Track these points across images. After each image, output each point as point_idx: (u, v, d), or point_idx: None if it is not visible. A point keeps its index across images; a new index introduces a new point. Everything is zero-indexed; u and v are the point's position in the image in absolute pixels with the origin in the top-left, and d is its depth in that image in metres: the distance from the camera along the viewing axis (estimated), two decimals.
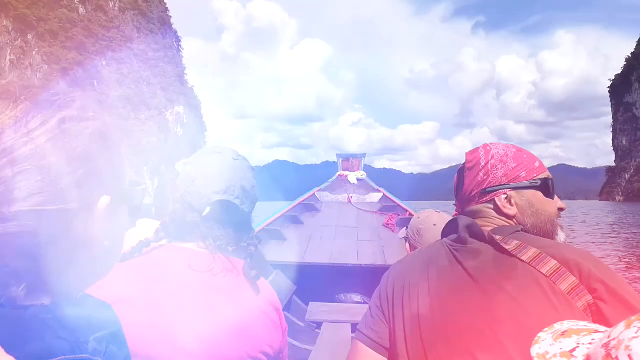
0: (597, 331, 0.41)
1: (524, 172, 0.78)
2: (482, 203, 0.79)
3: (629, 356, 0.33)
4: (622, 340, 0.33)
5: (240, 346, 0.71)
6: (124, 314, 0.47)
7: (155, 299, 0.68)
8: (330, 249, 3.31)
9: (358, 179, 5.55)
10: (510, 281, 0.66)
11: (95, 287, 0.43)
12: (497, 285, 0.67)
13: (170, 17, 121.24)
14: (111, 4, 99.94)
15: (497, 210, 0.78)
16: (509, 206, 0.77)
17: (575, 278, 0.64)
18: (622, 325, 0.36)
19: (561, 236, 0.80)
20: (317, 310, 2.85)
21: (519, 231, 0.74)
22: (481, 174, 0.79)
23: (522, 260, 0.67)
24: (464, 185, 0.82)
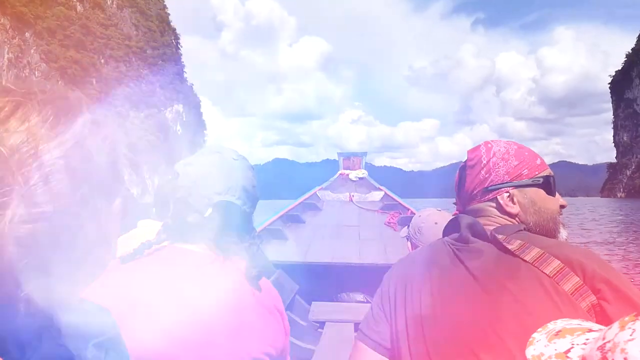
0: (590, 330, 0.41)
1: (526, 170, 0.77)
2: (484, 201, 0.79)
3: (625, 359, 0.32)
4: (618, 342, 0.33)
5: (243, 347, 0.71)
6: (125, 317, 0.46)
7: (156, 300, 0.69)
8: (332, 248, 3.30)
9: (359, 177, 5.54)
10: (513, 281, 0.66)
11: (95, 290, 0.42)
12: (500, 285, 0.66)
13: (169, 14, 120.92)
14: (109, 2, 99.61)
15: (500, 208, 0.77)
16: (512, 204, 0.77)
17: (578, 278, 0.63)
18: (616, 327, 0.35)
19: (563, 234, 0.80)
20: (319, 309, 2.85)
21: (521, 230, 0.74)
22: (483, 172, 0.79)
23: (525, 261, 0.67)
24: (465, 184, 0.81)
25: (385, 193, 5.01)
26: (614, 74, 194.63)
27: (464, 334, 0.66)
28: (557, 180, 0.80)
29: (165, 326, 0.67)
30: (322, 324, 2.71)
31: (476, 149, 0.82)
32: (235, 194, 0.79)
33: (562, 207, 0.81)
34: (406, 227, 1.63)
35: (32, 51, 79.64)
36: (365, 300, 3.02)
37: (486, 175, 0.78)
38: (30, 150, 0.33)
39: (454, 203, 0.89)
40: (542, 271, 0.65)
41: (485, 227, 0.75)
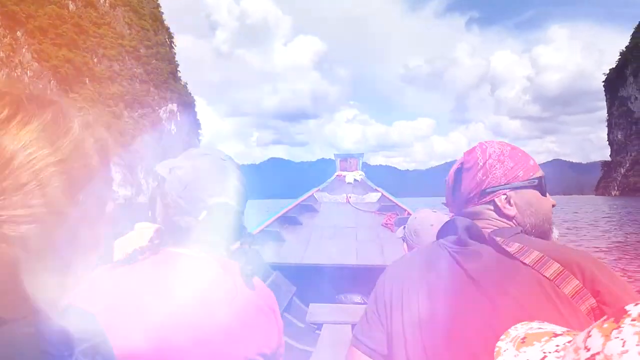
0: (555, 334, 0.39)
1: (521, 172, 0.77)
2: (481, 204, 0.78)
3: None
4: (610, 355, 0.30)
5: (237, 349, 0.71)
6: (115, 322, 0.45)
7: (148, 304, 0.68)
8: (329, 250, 3.30)
9: (355, 180, 5.54)
10: (513, 284, 0.65)
11: (85, 295, 0.41)
12: (501, 288, 0.66)
13: (162, 13, 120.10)
14: (101, 0, 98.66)
15: (497, 211, 0.77)
16: (509, 206, 0.76)
17: (578, 281, 0.63)
18: (598, 335, 0.31)
19: (555, 233, 0.81)
20: (317, 311, 2.85)
21: (518, 233, 0.74)
22: (480, 174, 0.78)
23: (524, 264, 0.66)
24: (461, 186, 0.81)
25: (382, 194, 5.01)
26: (608, 72, 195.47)
27: (464, 339, 0.65)
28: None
29: (157, 330, 0.66)
30: (319, 326, 2.71)
31: (472, 151, 0.81)
32: (229, 195, 0.79)
33: (552, 206, 0.82)
34: (402, 227, 1.62)
35: (23, 50, 78.72)
36: (362, 302, 3.02)
37: (483, 178, 0.78)
38: (31, 154, 0.33)
39: (443, 203, 0.89)
40: (542, 274, 0.64)
41: (482, 229, 0.74)
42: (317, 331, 2.71)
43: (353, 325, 0.80)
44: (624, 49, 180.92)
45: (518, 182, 0.77)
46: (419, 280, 0.75)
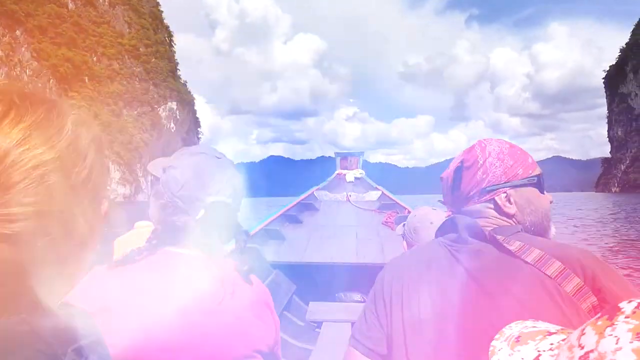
0: (549, 332, 0.40)
1: (520, 169, 0.77)
2: (481, 202, 0.78)
3: None
4: (604, 353, 0.30)
5: (235, 347, 0.71)
6: (110, 321, 0.45)
7: (146, 305, 0.68)
8: (329, 248, 3.30)
9: (356, 178, 5.53)
10: (515, 283, 0.65)
11: (80, 294, 0.41)
12: (502, 286, 0.66)
13: (162, 12, 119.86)
14: None
15: (497, 209, 0.77)
16: (509, 205, 0.76)
17: (579, 280, 0.63)
18: (591, 333, 0.32)
19: (553, 231, 0.81)
20: (317, 309, 2.85)
21: (519, 231, 0.74)
22: (480, 173, 0.78)
23: (526, 262, 0.66)
24: (461, 185, 0.80)
25: (383, 193, 5.00)
26: (608, 69, 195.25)
27: (466, 338, 0.65)
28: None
29: (153, 330, 0.66)
30: (319, 324, 2.71)
31: (471, 149, 0.81)
32: (226, 193, 0.79)
33: (550, 202, 0.82)
34: (402, 224, 1.63)
35: (23, 49, 78.59)
36: (362, 300, 3.03)
37: (483, 176, 0.77)
38: (24, 152, 0.33)
39: (440, 201, 0.89)
40: (544, 273, 0.64)
41: (483, 228, 0.74)
42: (317, 329, 2.72)
43: (353, 324, 0.81)
44: (624, 46, 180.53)
45: (518, 180, 0.77)
46: (419, 279, 0.74)
